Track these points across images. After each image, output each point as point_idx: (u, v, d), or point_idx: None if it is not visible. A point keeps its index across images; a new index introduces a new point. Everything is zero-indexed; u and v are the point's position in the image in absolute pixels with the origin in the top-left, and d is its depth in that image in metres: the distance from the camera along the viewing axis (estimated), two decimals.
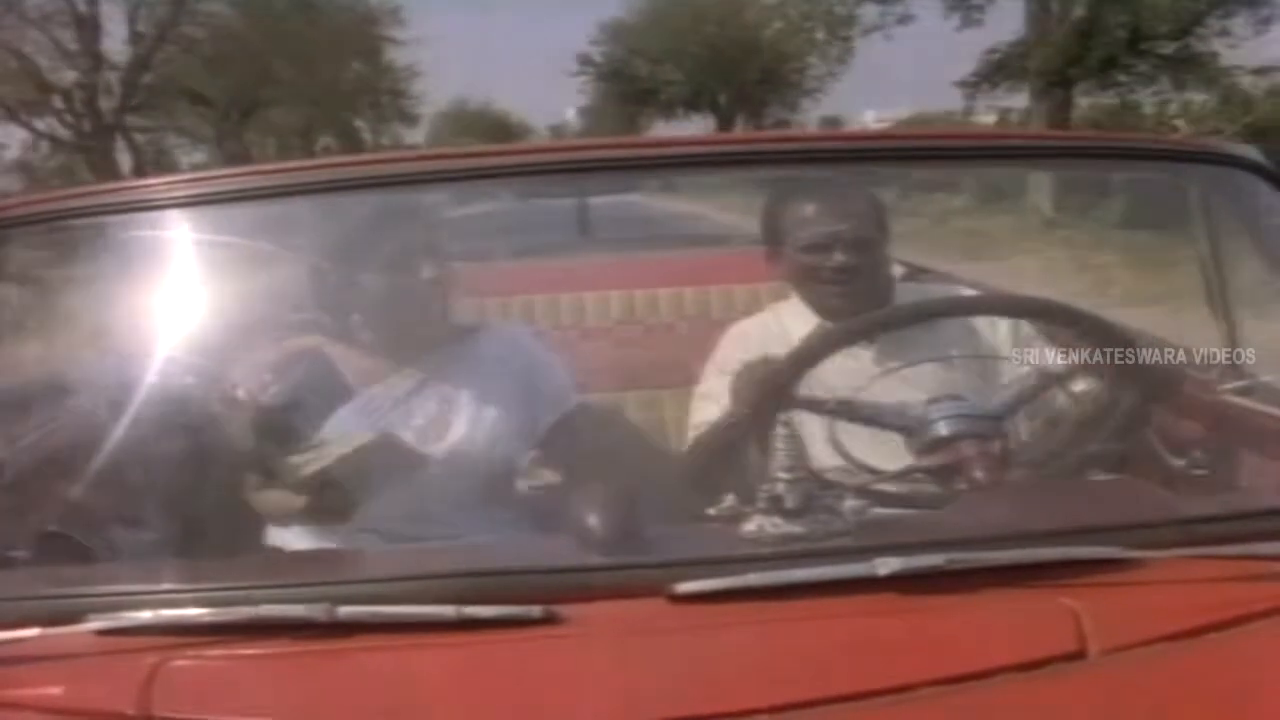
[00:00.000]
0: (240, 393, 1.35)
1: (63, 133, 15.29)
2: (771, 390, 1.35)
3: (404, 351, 1.55)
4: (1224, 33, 13.41)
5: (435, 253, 1.54)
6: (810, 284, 1.65)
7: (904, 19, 13.97)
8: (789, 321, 1.66)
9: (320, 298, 1.54)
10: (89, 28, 14.38)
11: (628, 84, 24.25)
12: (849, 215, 1.61)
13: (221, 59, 15.77)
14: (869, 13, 14.57)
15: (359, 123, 21.54)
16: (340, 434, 1.42)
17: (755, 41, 19.93)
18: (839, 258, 1.60)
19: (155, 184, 1.34)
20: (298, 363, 1.46)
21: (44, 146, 16.03)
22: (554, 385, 1.60)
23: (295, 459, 1.49)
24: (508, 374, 1.57)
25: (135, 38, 14.78)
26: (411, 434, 1.48)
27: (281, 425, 1.43)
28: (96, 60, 14.30)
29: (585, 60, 24.71)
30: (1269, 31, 12.86)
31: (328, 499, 1.41)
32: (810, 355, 1.39)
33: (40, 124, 14.72)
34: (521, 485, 1.64)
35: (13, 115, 14.58)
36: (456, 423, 1.52)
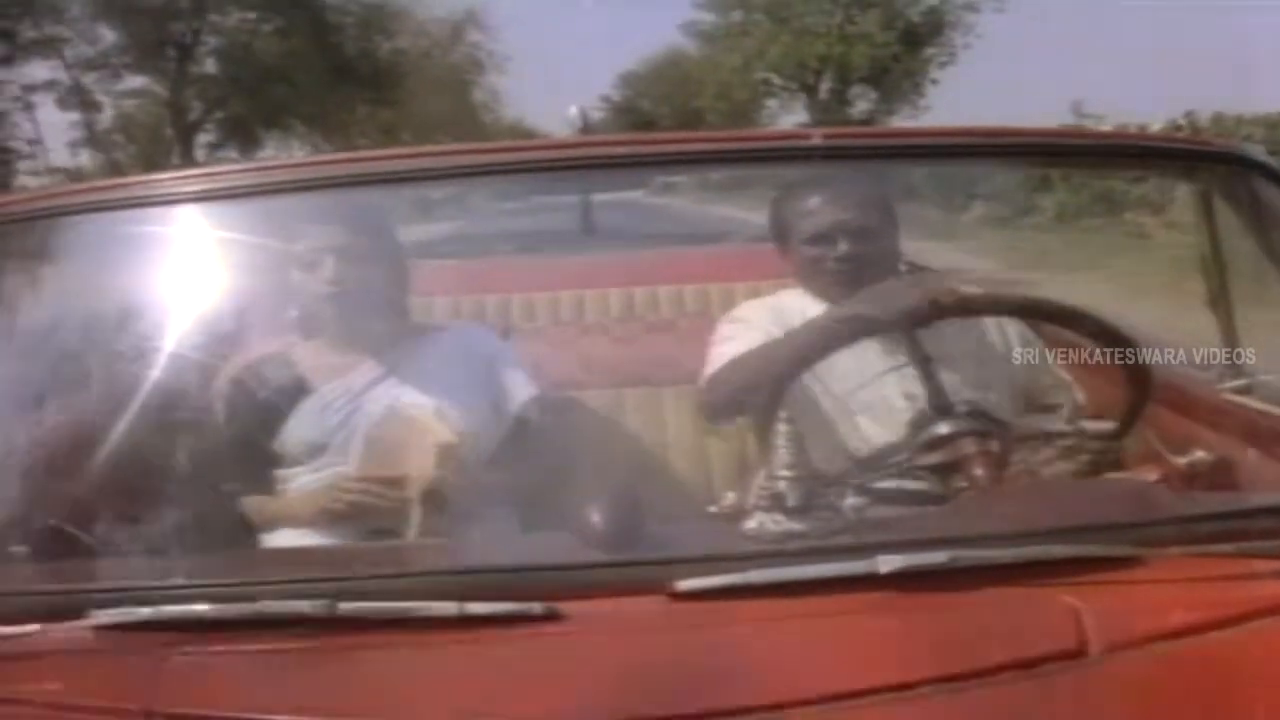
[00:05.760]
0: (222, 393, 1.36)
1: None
2: (780, 374, 1.36)
3: (362, 347, 1.56)
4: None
5: (394, 248, 1.56)
6: (816, 275, 1.64)
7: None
8: (789, 303, 1.66)
9: (287, 294, 1.54)
10: None
11: (635, 116, 34.26)
12: (853, 206, 1.60)
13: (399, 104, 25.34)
14: None
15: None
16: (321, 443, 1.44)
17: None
18: (843, 248, 1.59)
19: (126, 183, 1.34)
20: (266, 365, 1.48)
21: None
22: (515, 383, 1.60)
23: (283, 470, 1.50)
24: (466, 371, 1.57)
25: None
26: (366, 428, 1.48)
27: (255, 428, 1.45)
28: None
29: (605, 99, 35.03)
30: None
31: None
32: (821, 345, 1.40)
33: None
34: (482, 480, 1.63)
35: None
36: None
